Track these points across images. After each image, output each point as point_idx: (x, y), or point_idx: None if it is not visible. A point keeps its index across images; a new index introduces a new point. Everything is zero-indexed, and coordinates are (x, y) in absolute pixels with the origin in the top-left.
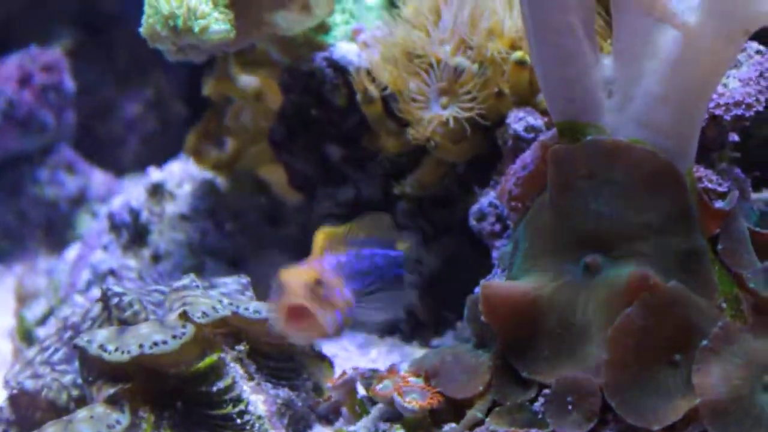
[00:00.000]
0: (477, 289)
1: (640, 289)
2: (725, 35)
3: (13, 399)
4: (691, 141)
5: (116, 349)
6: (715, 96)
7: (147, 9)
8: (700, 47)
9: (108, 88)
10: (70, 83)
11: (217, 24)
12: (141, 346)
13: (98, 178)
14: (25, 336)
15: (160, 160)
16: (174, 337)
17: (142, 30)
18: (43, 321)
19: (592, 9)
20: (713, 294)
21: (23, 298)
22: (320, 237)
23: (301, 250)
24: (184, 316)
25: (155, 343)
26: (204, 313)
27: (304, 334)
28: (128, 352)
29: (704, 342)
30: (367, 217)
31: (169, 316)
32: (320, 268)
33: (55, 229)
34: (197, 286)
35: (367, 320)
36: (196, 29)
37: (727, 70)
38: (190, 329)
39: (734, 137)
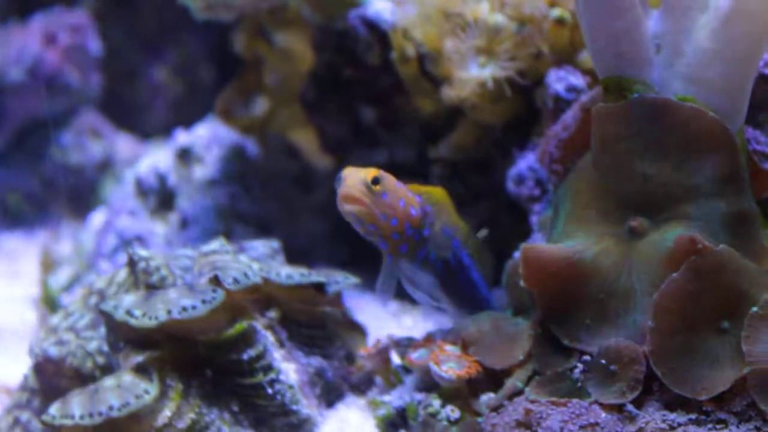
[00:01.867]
0: (516, 255)
1: (687, 253)
2: None
3: (37, 367)
4: (743, 99)
5: (144, 315)
6: (765, 55)
7: None
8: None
9: (134, 52)
10: (95, 45)
11: None
12: (169, 311)
13: (123, 143)
14: (50, 304)
15: (187, 125)
16: (204, 302)
17: None
18: (68, 288)
19: None
20: (763, 259)
21: (48, 266)
22: (440, 192)
23: (332, 216)
24: (215, 281)
25: (184, 308)
26: (235, 280)
27: (357, 217)
28: (156, 317)
29: (754, 309)
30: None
31: (198, 281)
32: (386, 176)
33: (80, 195)
34: (227, 251)
35: (411, 278)
36: None
37: None
38: (221, 294)
39: None
